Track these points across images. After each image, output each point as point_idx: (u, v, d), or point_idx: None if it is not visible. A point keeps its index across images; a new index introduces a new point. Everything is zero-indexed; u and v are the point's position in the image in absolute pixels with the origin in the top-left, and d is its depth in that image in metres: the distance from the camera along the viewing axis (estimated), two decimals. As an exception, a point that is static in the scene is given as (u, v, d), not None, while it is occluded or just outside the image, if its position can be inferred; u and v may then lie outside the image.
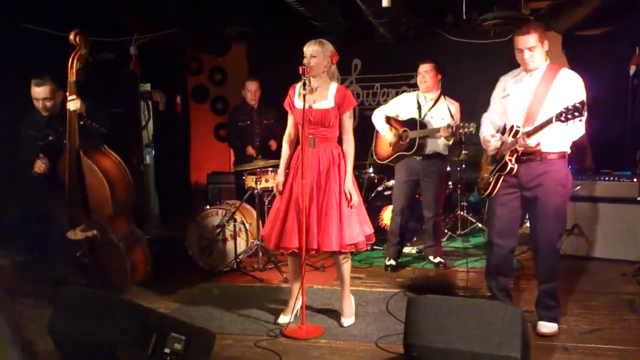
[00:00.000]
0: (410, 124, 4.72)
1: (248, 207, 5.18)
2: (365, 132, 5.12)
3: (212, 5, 5.83)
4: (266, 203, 5.03)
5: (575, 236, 4.96)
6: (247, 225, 4.92)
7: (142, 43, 6.21)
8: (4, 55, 4.39)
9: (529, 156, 3.22)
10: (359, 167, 5.46)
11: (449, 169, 5.97)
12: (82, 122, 3.83)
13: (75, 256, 3.93)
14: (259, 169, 4.91)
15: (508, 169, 3.25)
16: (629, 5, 5.14)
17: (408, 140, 4.70)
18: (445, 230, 5.86)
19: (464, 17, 5.52)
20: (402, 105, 4.86)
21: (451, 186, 6.01)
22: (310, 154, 3.44)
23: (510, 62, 6.74)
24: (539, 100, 3.18)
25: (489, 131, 3.46)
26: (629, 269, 4.53)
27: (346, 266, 3.59)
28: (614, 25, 5.95)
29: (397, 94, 6.91)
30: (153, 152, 7.70)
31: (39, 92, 3.90)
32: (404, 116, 4.81)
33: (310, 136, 3.45)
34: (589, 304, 3.85)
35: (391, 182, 5.66)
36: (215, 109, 7.83)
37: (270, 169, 4.90)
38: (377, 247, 5.36)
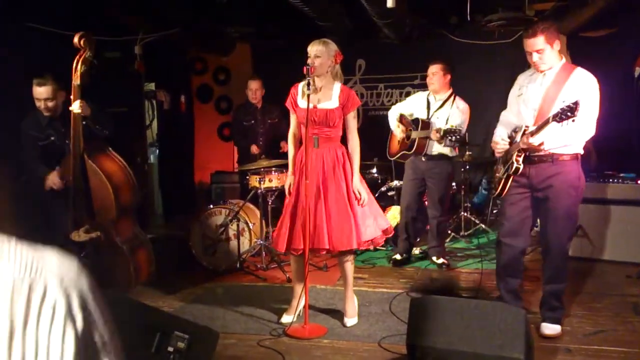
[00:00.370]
0: (416, 123, 4.77)
1: (251, 206, 5.19)
2: (369, 133, 5.13)
3: (216, 5, 5.84)
4: (270, 202, 5.04)
5: (580, 238, 4.94)
6: (250, 224, 4.92)
7: (146, 42, 6.23)
8: (6, 55, 4.41)
9: (540, 157, 3.19)
10: (362, 168, 5.46)
11: (453, 170, 5.99)
12: (84, 122, 3.78)
13: (79, 258, 3.92)
14: (262, 169, 4.91)
15: (514, 168, 3.24)
16: (633, 6, 5.13)
17: (410, 139, 4.75)
18: (449, 231, 5.85)
19: (468, 19, 5.52)
20: (415, 104, 4.92)
21: (455, 187, 6.00)
22: (314, 154, 3.45)
23: (514, 63, 6.80)
24: (550, 100, 3.15)
25: (500, 134, 3.45)
26: (633, 271, 4.52)
27: (349, 266, 3.59)
28: (618, 27, 5.94)
29: (401, 95, 6.92)
30: (157, 151, 7.73)
31: (41, 92, 3.86)
32: (416, 115, 4.87)
33: (314, 136, 3.45)
34: (593, 306, 3.84)
35: (394, 183, 5.68)
36: (219, 108, 7.84)
37: (273, 168, 4.91)
38: (380, 248, 5.35)
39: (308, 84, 3.31)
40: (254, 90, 5.69)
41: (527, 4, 5.28)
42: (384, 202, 5.64)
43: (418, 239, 5.25)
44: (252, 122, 5.77)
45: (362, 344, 3.29)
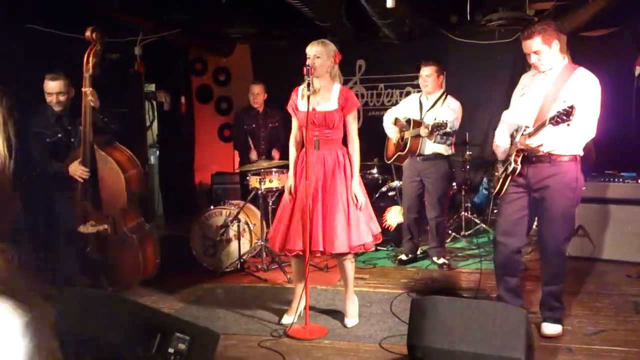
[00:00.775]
0: (409, 123, 4.80)
1: (252, 207, 5.19)
2: (369, 133, 5.12)
3: (216, 6, 5.84)
4: (270, 203, 5.04)
5: (580, 237, 4.94)
6: (251, 225, 4.92)
7: (146, 43, 6.23)
8: (8, 54, 4.43)
9: (538, 157, 3.19)
10: (363, 168, 5.47)
11: (453, 170, 5.98)
12: (100, 116, 3.97)
13: (84, 252, 4.02)
14: (263, 170, 4.92)
15: (511, 168, 3.24)
16: (633, 6, 5.13)
17: (404, 140, 4.78)
18: (450, 231, 5.86)
19: (469, 18, 5.52)
20: (408, 106, 4.95)
21: (455, 187, 6.00)
22: (314, 155, 3.44)
23: (515, 63, 6.80)
24: (551, 100, 3.13)
25: (500, 136, 3.45)
26: (633, 271, 4.52)
27: (350, 267, 3.58)
28: (618, 26, 5.94)
29: (401, 95, 6.92)
30: (157, 152, 7.73)
31: (54, 86, 4.00)
32: (409, 117, 4.88)
33: (315, 138, 3.45)
34: (594, 306, 3.84)
35: (395, 183, 5.68)
36: (219, 109, 7.84)
37: (274, 169, 4.91)
38: (381, 248, 5.37)
39: (308, 85, 3.30)
40: (256, 94, 5.68)
41: (527, 3, 5.28)
42: (385, 202, 5.64)
43: (420, 239, 5.25)
44: (254, 126, 5.75)
45: (363, 344, 3.29)
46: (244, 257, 4.88)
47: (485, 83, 6.70)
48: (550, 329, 3.31)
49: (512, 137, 3.38)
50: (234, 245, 4.91)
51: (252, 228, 4.92)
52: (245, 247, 4.91)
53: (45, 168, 4.08)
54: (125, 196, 4.03)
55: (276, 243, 3.54)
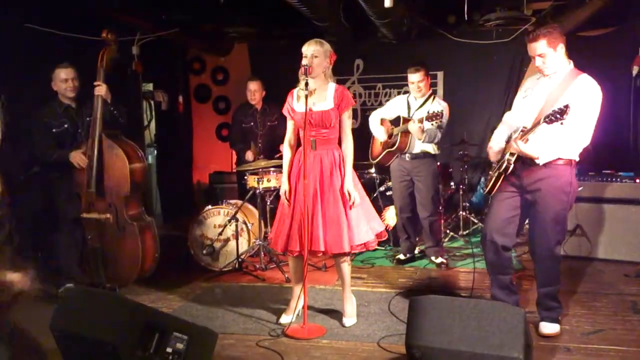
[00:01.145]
0: (397, 121, 4.82)
1: (250, 207, 5.19)
2: (367, 133, 5.13)
3: (214, 5, 5.84)
4: (268, 203, 5.04)
5: (578, 237, 4.95)
6: (249, 225, 4.92)
7: (144, 43, 6.22)
8: (8, 54, 4.43)
9: (531, 159, 3.19)
10: (360, 168, 5.47)
11: (451, 169, 5.99)
12: (111, 108, 4.20)
13: (85, 240, 4.14)
14: (261, 169, 4.91)
15: (504, 167, 3.25)
16: (631, 6, 5.14)
17: (393, 136, 4.81)
18: (447, 231, 5.86)
19: (466, 18, 5.52)
20: (395, 107, 4.95)
21: (453, 186, 6.01)
22: (312, 156, 3.44)
23: (512, 62, 6.80)
24: (552, 103, 3.12)
25: (496, 138, 3.45)
26: (631, 270, 4.53)
27: (346, 268, 3.59)
28: (616, 26, 5.94)
29: (399, 94, 6.92)
30: (155, 151, 7.71)
31: (68, 71, 4.20)
32: (393, 116, 4.92)
33: (312, 138, 3.45)
34: (592, 305, 3.85)
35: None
36: (217, 108, 7.83)
37: (272, 168, 4.90)
38: (379, 248, 5.37)
39: (306, 84, 3.30)
40: (253, 91, 5.66)
41: (525, 3, 5.29)
42: (383, 202, 5.64)
43: (417, 239, 5.26)
44: (251, 123, 5.73)
45: (361, 344, 3.29)
46: (242, 257, 4.88)
47: (483, 83, 6.71)
48: (548, 328, 3.32)
49: (510, 137, 3.38)
50: (232, 244, 4.90)
51: (250, 227, 4.92)
52: (243, 246, 4.91)
53: (50, 156, 4.19)
54: (129, 184, 4.16)
55: (278, 244, 3.54)
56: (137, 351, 2.53)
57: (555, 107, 3.04)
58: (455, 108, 6.47)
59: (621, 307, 3.79)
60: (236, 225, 4.85)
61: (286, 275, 4.50)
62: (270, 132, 5.71)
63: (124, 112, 4.36)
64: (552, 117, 2.93)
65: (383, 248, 5.47)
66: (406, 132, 4.69)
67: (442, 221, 5.64)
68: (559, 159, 3.14)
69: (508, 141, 3.35)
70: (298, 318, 3.58)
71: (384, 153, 4.96)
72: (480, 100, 6.72)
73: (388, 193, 5.58)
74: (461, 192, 5.93)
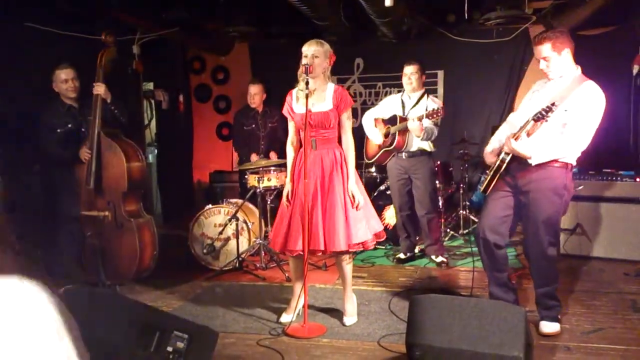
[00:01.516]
0: (393, 120, 4.82)
1: (250, 206, 5.19)
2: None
3: (215, 4, 5.84)
4: (268, 202, 5.04)
5: (578, 236, 4.95)
6: (249, 224, 4.92)
7: (144, 42, 6.22)
8: (11, 53, 4.44)
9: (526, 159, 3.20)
10: (360, 167, 5.47)
11: (451, 168, 5.99)
12: (108, 106, 4.24)
13: (85, 236, 4.17)
14: (261, 168, 4.92)
15: (497, 165, 3.27)
16: (632, 4, 5.13)
17: (390, 135, 4.80)
18: (448, 230, 5.86)
19: (467, 17, 5.52)
20: (389, 106, 4.96)
21: (453, 185, 6.01)
22: (312, 156, 3.45)
23: (513, 61, 6.79)
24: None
25: (496, 138, 3.47)
26: (631, 269, 4.53)
27: (348, 266, 3.59)
28: (617, 25, 5.94)
29: (399, 93, 6.92)
30: (155, 151, 7.71)
31: (68, 72, 4.26)
32: (388, 115, 4.93)
33: (312, 138, 3.45)
34: (592, 304, 3.85)
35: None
36: (217, 108, 7.83)
37: (272, 167, 4.90)
38: (379, 247, 5.38)
39: (307, 83, 3.30)
40: (253, 94, 5.67)
41: (525, 2, 5.28)
42: (383, 200, 5.65)
43: (417, 238, 5.27)
44: (253, 126, 5.74)
45: (362, 343, 3.29)
46: (243, 256, 4.88)
47: (484, 82, 6.71)
48: (548, 327, 3.32)
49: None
50: (232, 243, 4.91)
51: (250, 226, 4.92)
52: (244, 245, 4.91)
53: (56, 154, 4.27)
54: (126, 181, 4.19)
55: (277, 244, 3.55)
56: (138, 350, 2.53)
57: (557, 112, 3.06)
58: (456, 107, 6.51)
59: (621, 305, 3.79)
60: (236, 224, 4.86)
61: (286, 275, 4.51)
62: (272, 133, 5.72)
63: (125, 111, 4.40)
64: (539, 115, 2.96)
65: (383, 247, 5.48)
66: (404, 131, 4.69)
67: (442, 220, 5.65)
68: (554, 161, 3.13)
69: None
70: (298, 317, 3.59)
71: (380, 152, 4.95)
72: (481, 99, 6.72)
73: (388, 192, 5.58)
74: (461, 191, 5.93)
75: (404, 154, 4.82)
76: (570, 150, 3.13)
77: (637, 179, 4.80)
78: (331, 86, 3.49)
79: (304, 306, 3.49)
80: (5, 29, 4.41)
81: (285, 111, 3.59)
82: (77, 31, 5.04)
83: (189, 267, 4.93)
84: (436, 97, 4.96)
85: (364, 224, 3.47)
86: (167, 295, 4.24)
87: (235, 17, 6.04)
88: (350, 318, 3.60)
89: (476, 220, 5.98)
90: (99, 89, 4.18)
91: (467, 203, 6.07)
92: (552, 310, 3.36)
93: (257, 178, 4.80)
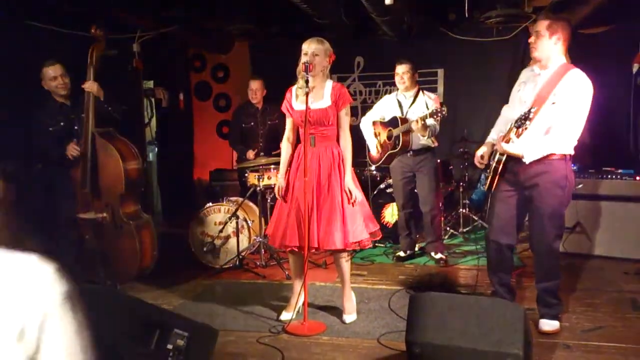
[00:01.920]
0: (394, 123, 4.82)
1: (250, 204, 5.19)
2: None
3: (215, 2, 5.83)
4: (268, 200, 5.05)
5: (578, 234, 4.95)
6: (249, 222, 4.93)
7: (145, 40, 6.21)
8: (11, 51, 4.44)
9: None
10: (360, 165, 5.47)
11: (451, 167, 5.99)
12: (100, 103, 4.15)
13: (83, 241, 4.13)
14: (261, 167, 4.92)
15: (494, 166, 3.28)
16: (631, 3, 5.12)
17: (393, 138, 4.79)
18: (448, 228, 5.86)
19: (467, 15, 5.51)
20: (385, 107, 4.97)
21: (454, 184, 6.01)
22: (310, 153, 3.45)
23: (513, 60, 6.78)
24: (542, 99, 3.13)
25: (490, 137, 3.49)
26: (631, 267, 4.54)
27: (346, 265, 3.60)
28: (617, 23, 5.93)
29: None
30: (156, 149, 7.71)
31: (55, 68, 4.18)
32: (388, 117, 4.91)
33: (311, 136, 3.45)
34: (591, 302, 3.85)
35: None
36: (218, 106, 7.83)
37: (272, 166, 4.91)
38: (379, 245, 5.38)
39: (307, 81, 3.30)
40: (254, 90, 5.66)
41: (525, 0, 5.28)
42: (383, 199, 5.65)
43: (417, 236, 5.27)
44: (252, 123, 5.73)
45: (362, 340, 3.30)
46: (243, 254, 4.89)
47: (484, 80, 6.70)
48: (548, 325, 3.32)
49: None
50: (232, 242, 4.91)
51: (250, 225, 4.93)
52: (244, 243, 4.92)
53: (51, 153, 4.22)
54: (123, 182, 4.14)
55: (275, 239, 3.55)
56: (138, 348, 2.53)
57: (545, 104, 3.09)
58: (456, 105, 6.50)
59: (621, 304, 3.79)
60: (237, 223, 4.86)
61: (287, 273, 4.51)
62: (271, 130, 5.71)
63: (119, 108, 4.34)
64: (519, 122, 3.02)
65: (383, 245, 5.48)
66: (407, 132, 4.69)
67: (442, 218, 5.65)
68: (552, 154, 3.14)
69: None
70: (298, 315, 3.59)
71: (386, 155, 4.93)
72: (481, 97, 6.71)
73: (388, 190, 5.59)
74: (461, 190, 5.93)
75: (409, 152, 4.83)
76: (563, 142, 3.13)
77: (637, 178, 4.80)
78: (329, 83, 3.50)
79: (303, 304, 3.50)
80: (4, 27, 4.40)
81: (284, 108, 3.60)
82: (78, 29, 5.03)
83: (189, 265, 4.94)
84: (431, 92, 4.97)
85: (361, 222, 3.48)
86: (168, 294, 4.25)
87: (235, 16, 6.03)
88: (349, 316, 3.61)
89: (476, 218, 5.99)
90: (91, 86, 4.11)
91: (467, 201, 6.07)
92: (553, 308, 3.36)
93: (257, 176, 4.80)
